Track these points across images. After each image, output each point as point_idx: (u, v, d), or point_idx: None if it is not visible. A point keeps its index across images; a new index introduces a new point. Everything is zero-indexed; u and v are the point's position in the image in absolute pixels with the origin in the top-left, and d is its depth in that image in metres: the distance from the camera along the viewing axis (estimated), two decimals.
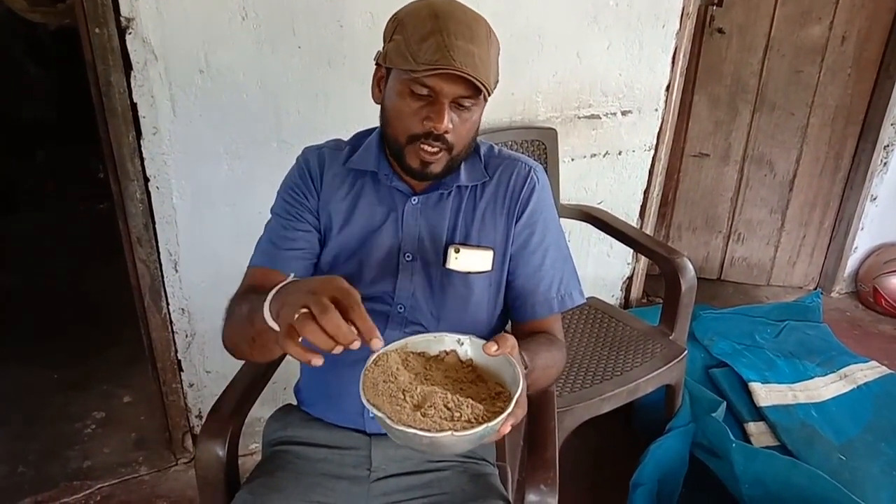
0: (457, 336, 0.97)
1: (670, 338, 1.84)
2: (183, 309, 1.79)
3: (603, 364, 1.76)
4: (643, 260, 2.53)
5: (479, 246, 1.16)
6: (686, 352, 1.80)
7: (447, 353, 0.97)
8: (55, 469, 1.96)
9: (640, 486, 1.68)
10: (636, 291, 2.60)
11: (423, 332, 0.99)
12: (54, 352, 2.44)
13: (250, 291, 1.06)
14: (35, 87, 4.02)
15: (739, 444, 1.71)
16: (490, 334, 1.11)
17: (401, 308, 1.16)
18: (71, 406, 2.20)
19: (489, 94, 1.03)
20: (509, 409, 0.82)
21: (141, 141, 1.58)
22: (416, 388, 0.87)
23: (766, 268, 3.00)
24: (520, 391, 0.84)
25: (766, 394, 2.07)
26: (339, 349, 0.76)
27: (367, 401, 0.83)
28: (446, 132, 1.02)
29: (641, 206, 2.42)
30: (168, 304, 1.77)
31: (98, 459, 2.00)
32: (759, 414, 2.02)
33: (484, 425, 0.80)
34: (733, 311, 2.49)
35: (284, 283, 0.88)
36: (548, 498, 1.11)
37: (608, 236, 2.11)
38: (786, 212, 2.87)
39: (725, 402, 1.91)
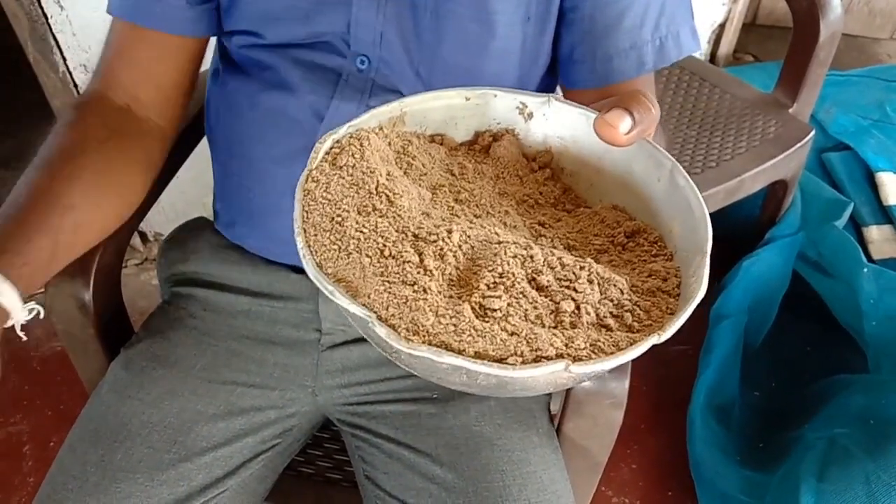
0: (516, 95, 0.43)
1: (790, 111, 1.27)
2: (85, 65, 1.25)
3: (690, 150, 1.21)
4: (741, 1, 1.86)
5: None
6: (813, 132, 1.23)
7: (493, 136, 0.44)
8: None
9: (725, 319, 1.23)
10: (727, 45, 1.95)
11: None
12: None
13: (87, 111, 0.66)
14: None
15: (874, 268, 1.21)
16: None
17: (362, 62, 0.62)
18: (5, 188, 1.78)
19: None
20: (698, 296, 0.34)
21: None
22: (448, 234, 0.34)
23: (893, 15, 2.29)
24: (710, 236, 0.37)
25: None
26: None
27: (320, 270, 0.32)
28: None
29: None
30: (65, 59, 1.24)
31: None
32: (885, 215, 1.50)
33: (648, 338, 0.32)
34: (861, 73, 1.84)
35: None
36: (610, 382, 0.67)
37: None
38: None
39: (853, 204, 1.38)
